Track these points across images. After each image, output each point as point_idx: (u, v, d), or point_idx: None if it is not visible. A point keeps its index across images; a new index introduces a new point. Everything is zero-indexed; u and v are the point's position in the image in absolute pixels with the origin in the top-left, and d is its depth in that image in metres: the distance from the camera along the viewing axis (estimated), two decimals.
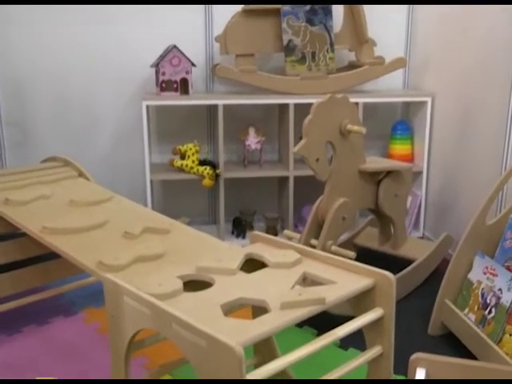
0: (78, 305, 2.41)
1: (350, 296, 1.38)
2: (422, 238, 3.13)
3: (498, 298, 1.88)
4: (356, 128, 2.19)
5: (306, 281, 1.50)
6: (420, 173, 3.08)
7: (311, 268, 1.49)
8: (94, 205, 2.08)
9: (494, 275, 1.93)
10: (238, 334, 1.17)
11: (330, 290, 1.36)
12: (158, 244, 1.71)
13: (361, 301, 1.44)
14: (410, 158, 3.15)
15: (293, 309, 1.27)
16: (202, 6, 3.04)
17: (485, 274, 1.97)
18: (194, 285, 1.48)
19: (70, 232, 1.80)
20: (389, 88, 3.24)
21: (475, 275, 2.03)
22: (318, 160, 2.14)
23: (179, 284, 1.38)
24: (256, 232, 1.72)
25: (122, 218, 1.94)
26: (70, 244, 1.73)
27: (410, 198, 3.04)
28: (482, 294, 1.96)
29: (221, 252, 1.62)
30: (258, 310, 1.38)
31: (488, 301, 1.93)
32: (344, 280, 1.42)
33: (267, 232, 3.13)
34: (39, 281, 2.28)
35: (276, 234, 3.11)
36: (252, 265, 1.58)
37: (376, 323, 1.42)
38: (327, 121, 2.15)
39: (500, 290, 1.88)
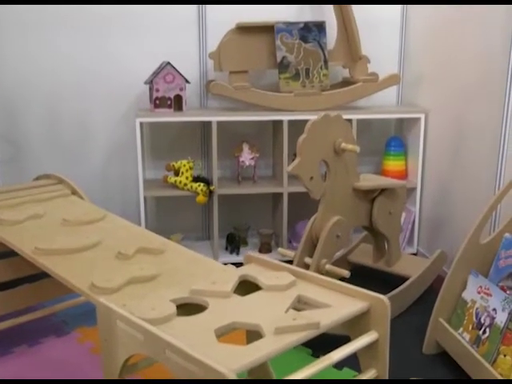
0: (71, 324, 2.40)
1: (345, 320, 1.37)
2: (416, 254, 3.13)
3: (493, 318, 1.88)
4: (350, 147, 2.19)
5: (301, 301, 1.49)
6: (414, 189, 3.08)
7: (305, 291, 1.48)
8: (87, 224, 2.06)
9: (488, 295, 1.93)
10: (232, 360, 1.16)
11: (325, 313, 1.36)
12: (152, 265, 1.69)
13: (355, 324, 1.43)
14: (404, 174, 3.16)
15: (287, 334, 1.27)
16: (195, 22, 3.05)
17: (479, 293, 1.97)
18: (188, 307, 1.47)
19: (62, 253, 1.79)
20: (382, 104, 3.25)
21: (469, 294, 2.03)
22: (312, 178, 2.14)
23: (172, 308, 1.37)
24: (250, 253, 1.71)
25: (115, 238, 1.93)
26: (63, 265, 1.71)
27: (403, 214, 3.03)
28: (477, 314, 1.96)
29: (215, 273, 1.61)
30: (253, 331, 1.37)
31: (482, 321, 1.92)
32: (338, 303, 1.41)
33: (261, 248, 3.13)
34: (31, 300, 2.27)
35: (270, 251, 3.11)
36: (246, 286, 1.57)
37: (370, 347, 1.42)
38: (321, 139, 2.15)
39: (494, 310, 1.88)
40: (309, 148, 2.10)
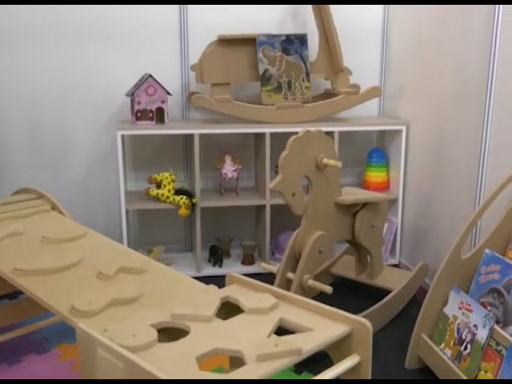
0: (52, 341, 2.36)
1: (327, 344, 1.37)
2: (398, 264, 3.15)
3: (474, 335, 1.89)
4: (332, 162, 2.19)
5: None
6: (396, 200, 3.10)
7: (287, 313, 1.48)
8: (67, 242, 2.04)
9: (469, 311, 1.94)
10: None
11: (307, 338, 1.35)
12: (133, 286, 1.68)
13: (338, 347, 1.42)
14: (386, 186, 3.18)
15: (269, 361, 1.26)
16: (177, 34, 3.04)
17: (460, 309, 1.98)
18: (170, 329, 1.46)
19: (42, 273, 1.77)
20: (364, 115, 3.26)
21: (451, 310, 2.04)
22: (294, 195, 2.14)
23: (154, 335, 1.35)
24: (232, 273, 1.70)
25: (96, 257, 1.91)
26: (43, 287, 1.69)
27: (386, 225, 3.05)
28: (458, 330, 1.97)
29: (196, 295, 1.60)
30: None
31: (464, 336, 1.93)
32: (320, 327, 1.41)
33: (244, 260, 3.12)
34: (12, 319, 2.24)
35: (253, 263, 3.11)
36: (228, 305, 1.56)
37: (353, 369, 1.42)
38: (303, 156, 2.15)
39: (475, 326, 1.89)
40: (291, 164, 2.10)
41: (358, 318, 1.41)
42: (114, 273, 1.77)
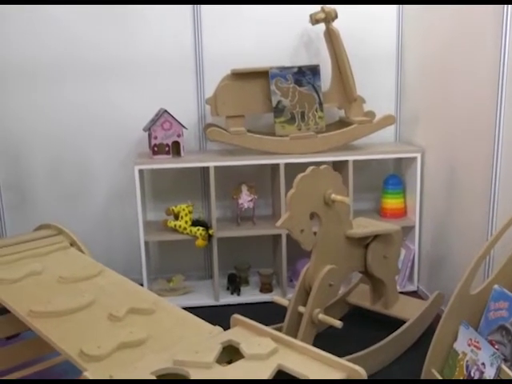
0: (71, 373, 2.42)
1: None
2: (417, 291, 3.14)
3: (482, 373, 1.88)
4: (339, 198, 2.22)
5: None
6: (413, 227, 3.09)
7: (286, 360, 1.50)
8: (82, 280, 2.11)
9: (477, 348, 1.93)
10: None
11: None
12: (141, 328, 1.74)
13: None
14: (403, 212, 3.18)
15: None
16: (193, 67, 3.12)
17: (469, 345, 1.98)
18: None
19: (56, 315, 1.83)
20: (380, 141, 3.26)
21: (460, 346, 2.03)
22: (302, 231, 2.17)
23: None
24: (236, 316, 1.74)
25: (108, 297, 1.97)
26: (56, 329, 1.76)
27: (403, 252, 3.05)
28: (467, 367, 1.97)
29: (200, 338, 1.65)
30: None
31: (472, 374, 1.93)
32: (317, 375, 1.43)
33: (262, 288, 3.16)
34: (33, 354, 2.32)
35: (271, 290, 3.15)
36: (232, 347, 1.61)
37: None
38: (310, 193, 2.19)
39: (483, 364, 1.88)
40: (298, 202, 2.14)
41: (353, 365, 1.43)
42: (124, 314, 1.83)
